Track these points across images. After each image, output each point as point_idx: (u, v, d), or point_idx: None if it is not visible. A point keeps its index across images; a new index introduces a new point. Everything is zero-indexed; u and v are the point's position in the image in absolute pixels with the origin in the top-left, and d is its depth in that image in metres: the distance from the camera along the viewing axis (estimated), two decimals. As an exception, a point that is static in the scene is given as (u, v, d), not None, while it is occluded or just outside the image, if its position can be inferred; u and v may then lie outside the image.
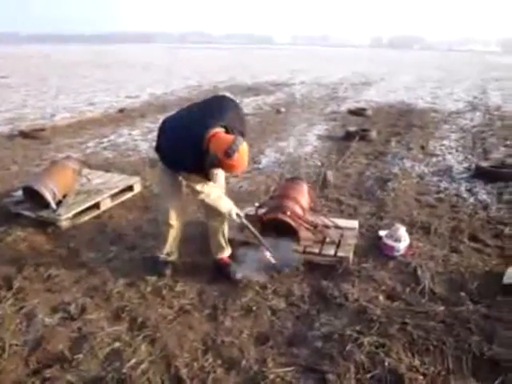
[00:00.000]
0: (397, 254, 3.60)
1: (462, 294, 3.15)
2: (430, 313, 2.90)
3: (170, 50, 56.52)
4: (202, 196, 2.88)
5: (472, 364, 2.45)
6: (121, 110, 10.44)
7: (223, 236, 3.34)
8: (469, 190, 5.37)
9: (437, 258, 3.63)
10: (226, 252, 3.41)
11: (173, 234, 3.23)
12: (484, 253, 3.79)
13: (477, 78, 22.57)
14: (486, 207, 4.82)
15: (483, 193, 5.29)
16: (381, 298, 3.04)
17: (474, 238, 4.06)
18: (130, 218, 4.38)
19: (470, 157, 6.93)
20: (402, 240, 3.62)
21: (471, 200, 5.05)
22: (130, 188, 4.85)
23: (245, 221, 3.07)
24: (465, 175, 5.99)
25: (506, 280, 3.28)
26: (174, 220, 3.15)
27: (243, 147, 2.55)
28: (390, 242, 3.60)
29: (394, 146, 7.31)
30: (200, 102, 2.93)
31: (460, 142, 7.94)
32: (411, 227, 4.15)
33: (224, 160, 2.53)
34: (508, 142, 7.95)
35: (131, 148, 7.23)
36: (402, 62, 37.66)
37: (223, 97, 2.92)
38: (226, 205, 2.99)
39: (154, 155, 5.47)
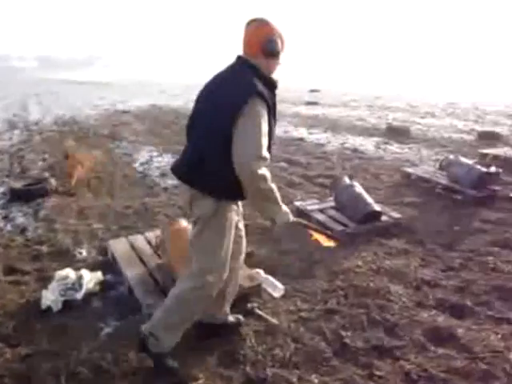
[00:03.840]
0: None
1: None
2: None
3: None
4: None
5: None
6: None
7: None
8: (5, 217, 4.93)
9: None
10: None
11: None
12: (21, 283, 3.47)
13: (17, 94, 22.12)
14: (23, 231, 4.52)
15: (20, 216, 4.97)
16: None
17: (10, 270, 3.67)
18: None
19: (6, 180, 6.47)
20: None
21: (8, 227, 4.63)
22: None
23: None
24: (1, 201, 5.50)
25: (44, 305, 3.09)
26: None
27: None
28: None
29: None
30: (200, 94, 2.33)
31: (-4, 167, 7.36)
32: None
33: (275, 32, 2.15)
34: (46, 156, 7.94)
35: None
36: None
37: None
38: None
39: None
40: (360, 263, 3.57)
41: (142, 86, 28.76)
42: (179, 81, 33.08)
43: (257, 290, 3.09)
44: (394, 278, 3.33)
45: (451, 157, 5.62)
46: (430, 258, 3.69)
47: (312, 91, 21.45)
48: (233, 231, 2.32)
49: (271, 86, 2.19)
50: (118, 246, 3.76)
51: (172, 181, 6.12)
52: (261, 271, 3.34)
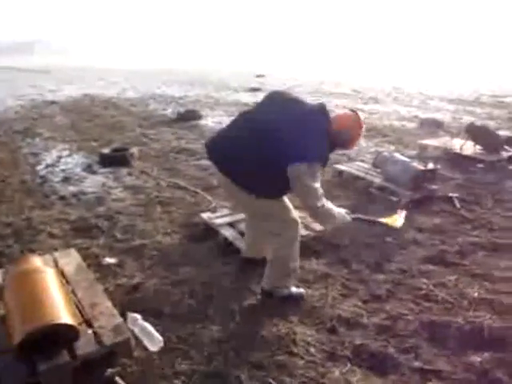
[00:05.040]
0: None
1: None
2: None
3: None
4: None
5: None
6: None
7: None
8: None
9: None
10: None
11: None
12: None
13: None
14: None
15: None
16: None
17: None
18: None
19: None
20: None
21: None
22: None
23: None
24: None
25: None
26: None
27: None
28: None
29: None
30: (274, 99, 2.72)
31: None
32: None
33: (358, 133, 2.64)
34: None
35: None
36: None
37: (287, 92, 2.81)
38: None
39: None
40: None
41: (82, 72, 27.07)
42: (121, 67, 31.42)
43: (125, 347, 2.36)
44: (305, 317, 2.69)
45: (385, 153, 5.05)
46: (353, 283, 3.08)
47: (258, 76, 20.70)
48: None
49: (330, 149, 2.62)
50: (-36, 286, 2.93)
51: (73, 187, 5.28)
52: (138, 317, 2.63)
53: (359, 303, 2.83)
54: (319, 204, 2.49)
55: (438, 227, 3.96)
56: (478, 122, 6.74)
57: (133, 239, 3.75)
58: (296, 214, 2.76)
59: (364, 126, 2.67)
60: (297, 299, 2.82)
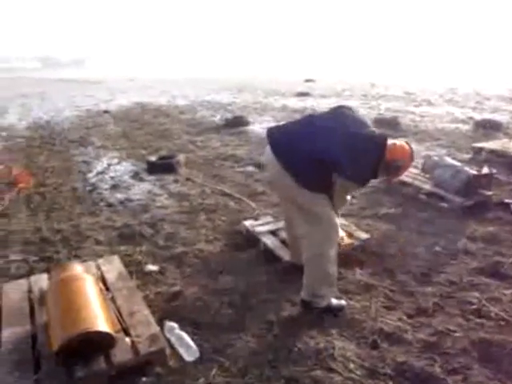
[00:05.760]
0: None
1: None
2: None
3: None
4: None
5: None
6: None
7: None
8: None
9: None
10: None
11: None
12: None
13: (3, 95, 21.47)
14: None
15: None
16: None
17: None
18: None
19: None
20: None
21: None
22: None
23: None
24: None
25: None
26: None
27: None
28: None
29: None
30: (344, 111, 2.81)
31: None
32: None
33: (407, 166, 2.83)
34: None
35: None
36: None
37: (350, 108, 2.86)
38: None
39: None
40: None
41: (135, 82, 27.93)
42: (171, 77, 32.17)
43: (160, 356, 2.36)
44: (345, 330, 2.58)
45: (435, 157, 4.82)
46: (398, 295, 2.93)
47: (307, 81, 20.57)
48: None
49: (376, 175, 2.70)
50: (12, 291, 3.04)
51: (120, 194, 5.40)
52: (175, 326, 2.62)
53: (404, 317, 2.69)
54: (336, 210, 2.80)
55: (493, 236, 3.72)
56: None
57: (175, 247, 3.77)
58: (335, 215, 2.73)
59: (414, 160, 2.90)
60: (337, 311, 2.73)
